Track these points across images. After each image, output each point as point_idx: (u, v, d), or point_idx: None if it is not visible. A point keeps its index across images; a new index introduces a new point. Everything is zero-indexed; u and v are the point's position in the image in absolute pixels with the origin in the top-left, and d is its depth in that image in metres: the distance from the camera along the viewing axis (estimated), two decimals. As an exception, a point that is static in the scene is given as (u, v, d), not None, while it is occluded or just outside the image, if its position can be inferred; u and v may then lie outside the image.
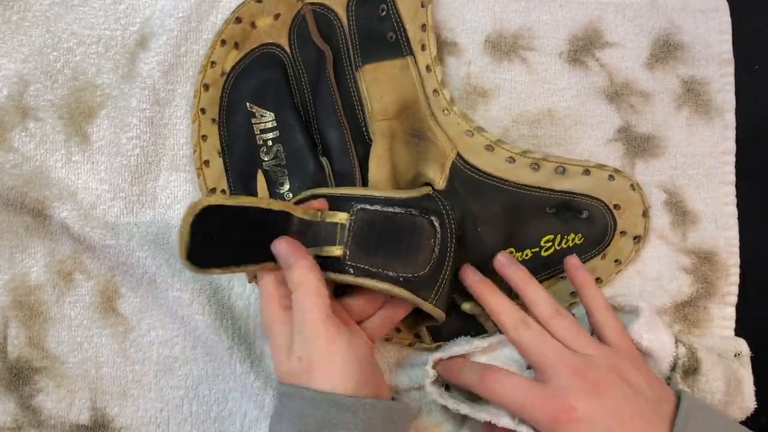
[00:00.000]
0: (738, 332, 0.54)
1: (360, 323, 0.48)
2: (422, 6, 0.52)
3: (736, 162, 0.55)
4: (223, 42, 0.53)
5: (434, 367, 0.48)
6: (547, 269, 0.52)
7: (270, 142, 0.53)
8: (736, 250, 0.54)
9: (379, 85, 0.52)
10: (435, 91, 0.52)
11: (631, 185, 0.52)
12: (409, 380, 0.53)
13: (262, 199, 0.45)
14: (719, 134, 0.55)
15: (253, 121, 0.53)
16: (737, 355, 0.52)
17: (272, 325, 0.44)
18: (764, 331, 0.54)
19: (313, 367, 0.42)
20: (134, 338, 0.53)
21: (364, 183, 0.52)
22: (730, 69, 0.55)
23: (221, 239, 0.44)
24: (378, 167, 0.51)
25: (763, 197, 0.55)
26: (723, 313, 0.54)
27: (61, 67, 0.54)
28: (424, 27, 0.52)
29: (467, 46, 0.55)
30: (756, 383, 0.51)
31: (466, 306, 0.50)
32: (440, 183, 0.50)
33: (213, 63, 0.53)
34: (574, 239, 0.51)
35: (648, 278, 0.54)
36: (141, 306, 0.54)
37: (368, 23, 0.53)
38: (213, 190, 0.53)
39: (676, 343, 0.48)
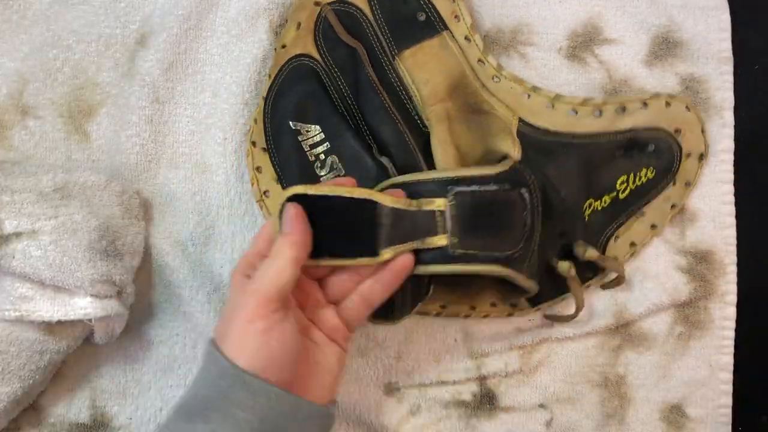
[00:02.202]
0: (738, 332, 0.54)
1: (338, 304, 0.46)
2: None
3: (735, 160, 0.55)
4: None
5: None
6: (626, 210, 0.52)
7: (322, 155, 0.51)
8: (734, 249, 0.54)
9: (422, 69, 0.51)
10: (480, 60, 0.51)
11: (686, 106, 0.52)
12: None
13: (342, 187, 0.43)
14: (717, 132, 0.55)
15: (300, 139, 0.51)
16: None
17: (231, 287, 0.43)
18: (764, 331, 0.54)
19: (229, 335, 0.40)
20: (134, 337, 0.53)
21: None
22: (729, 67, 0.55)
23: (314, 228, 0.42)
24: (444, 153, 0.50)
25: (762, 196, 0.55)
26: (724, 313, 0.54)
27: (61, 65, 0.55)
28: None
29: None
30: (757, 382, 0.51)
31: (564, 266, 0.49)
32: (516, 153, 0.49)
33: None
34: (646, 173, 0.52)
35: (648, 276, 0.54)
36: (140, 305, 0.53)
37: (394, 8, 0.51)
38: None
39: None
